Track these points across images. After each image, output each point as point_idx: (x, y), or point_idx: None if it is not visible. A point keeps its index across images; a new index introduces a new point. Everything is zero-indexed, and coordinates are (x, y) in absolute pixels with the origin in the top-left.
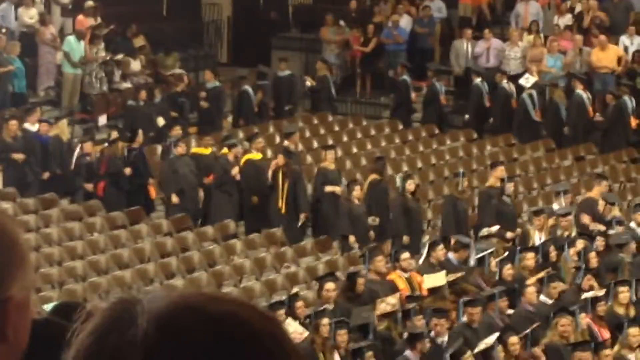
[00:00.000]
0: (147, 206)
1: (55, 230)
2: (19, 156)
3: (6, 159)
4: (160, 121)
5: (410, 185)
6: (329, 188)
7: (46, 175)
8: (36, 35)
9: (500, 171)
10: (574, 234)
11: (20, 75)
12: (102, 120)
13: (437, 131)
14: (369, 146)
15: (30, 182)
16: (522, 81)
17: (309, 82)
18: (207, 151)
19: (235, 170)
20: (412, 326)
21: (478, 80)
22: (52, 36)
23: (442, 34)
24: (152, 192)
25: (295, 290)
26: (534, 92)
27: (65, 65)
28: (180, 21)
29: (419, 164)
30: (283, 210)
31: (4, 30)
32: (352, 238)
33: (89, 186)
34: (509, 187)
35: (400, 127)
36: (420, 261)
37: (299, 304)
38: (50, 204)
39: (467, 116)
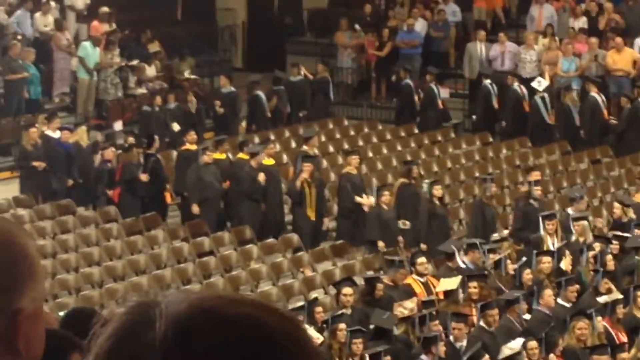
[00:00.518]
0: (163, 212)
1: (72, 236)
2: (40, 164)
3: (26, 166)
4: (176, 126)
5: (438, 190)
6: (359, 200)
7: (70, 182)
8: (51, 41)
9: (535, 176)
10: (590, 239)
11: (35, 82)
12: (118, 126)
13: (452, 135)
14: (384, 150)
15: (56, 190)
16: (534, 84)
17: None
18: (271, 162)
19: (261, 177)
20: (427, 330)
21: (487, 82)
22: (67, 42)
23: (457, 37)
24: (168, 197)
25: (314, 295)
26: (546, 95)
27: (80, 71)
28: (195, 26)
29: (435, 168)
30: (313, 217)
31: (19, 37)
32: (380, 243)
33: (111, 193)
34: (536, 190)
35: (416, 130)
36: (461, 263)
37: (318, 309)
38: (66, 210)
39: (474, 117)
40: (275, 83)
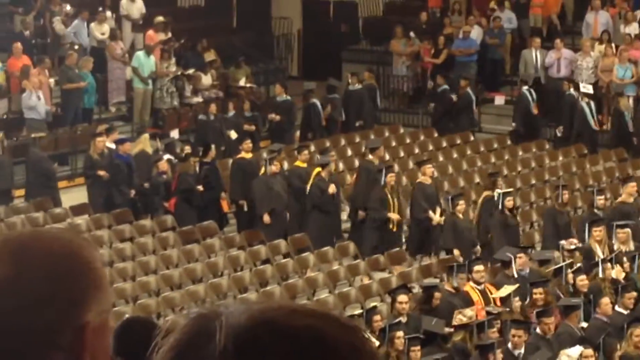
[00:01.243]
0: (220, 220)
1: (129, 245)
2: (104, 174)
3: (92, 175)
4: (233, 134)
5: (509, 201)
6: (431, 215)
7: (132, 192)
8: (106, 50)
9: (631, 187)
10: (631, 247)
11: (90, 91)
12: (174, 134)
13: (509, 142)
14: (440, 158)
15: (119, 203)
16: (583, 89)
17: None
18: (303, 165)
19: (332, 189)
20: (485, 337)
21: (525, 88)
22: (122, 51)
23: (513, 44)
24: (225, 206)
25: (373, 304)
26: (592, 102)
27: (136, 80)
28: (251, 35)
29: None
30: (395, 229)
31: (76, 47)
32: (456, 252)
33: (168, 204)
34: (599, 200)
35: (472, 138)
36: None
37: (376, 317)
38: (123, 218)
39: (513, 124)
40: (330, 91)
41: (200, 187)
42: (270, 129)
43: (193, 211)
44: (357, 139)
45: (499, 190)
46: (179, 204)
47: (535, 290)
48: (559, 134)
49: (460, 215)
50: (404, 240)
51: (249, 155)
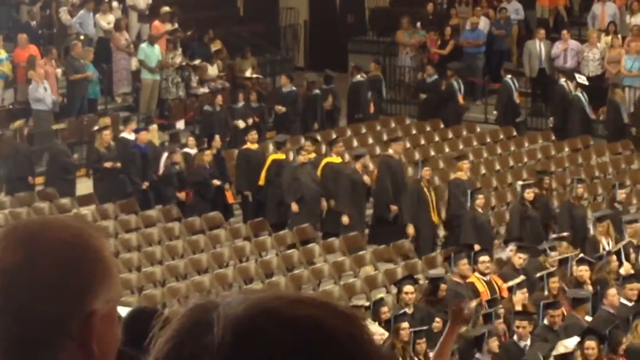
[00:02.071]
0: (224, 211)
1: (134, 235)
2: (113, 164)
3: (100, 168)
4: (241, 124)
5: (529, 194)
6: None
7: (145, 184)
8: (111, 41)
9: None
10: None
11: (94, 81)
12: (180, 125)
13: (514, 133)
14: (446, 149)
15: (131, 192)
16: (579, 79)
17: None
18: (338, 160)
19: (367, 180)
20: (492, 328)
21: (508, 77)
22: (126, 42)
23: (519, 35)
24: (230, 197)
25: (379, 295)
26: (584, 92)
27: (144, 71)
28: (257, 26)
29: (497, 167)
30: (436, 221)
31: (82, 37)
32: (477, 247)
33: (182, 195)
34: (620, 194)
35: (478, 129)
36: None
37: (384, 309)
38: (128, 209)
39: (495, 112)
40: (327, 82)
41: (216, 181)
42: (275, 120)
43: (206, 204)
44: (364, 130)
45: (519, 182)
46: (194, 197)
47: (551, 280)
48: (550, 125)
49: (480, 210)
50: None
51: (255, 146)
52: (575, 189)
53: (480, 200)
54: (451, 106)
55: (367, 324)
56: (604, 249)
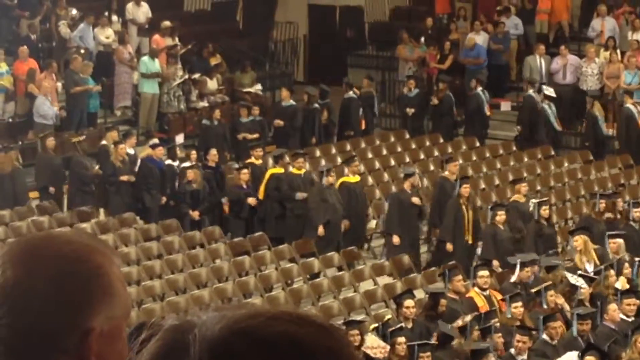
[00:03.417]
0: (221, 224)
1: (133, 249)
2: (128, 178)
3: (115, 182)
4: (248, 135)
5: (545, 210)
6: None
7: (164, 200)
8: (113, 54)
9: None
10: (625, 256)
11: (94, 95)
12: (179, 139)
13: (514, 148)
14: (486, 167)
15: (149, 207)
16: (546, 91)
17: (435, 100)
18: (356, 179)
19: (416, 200)
20: (491, 342)
21: (479, 90)
22: (129, 56)
23: (519, 50)
24: (227, 210)
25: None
26: (552, 104)
27: (144, 85)
28: (256, 40)
29: (496, 181)
30: (470, 241)
31: (82, 51)
32: (495, 262)
33: (195, 214)
34: (635, 213)
35: (477, 144)
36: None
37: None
38: (127, 223)
39: (458, 118)
40: (322, 96)
41: (252, 200)
42: (275, 134)
43: (241, 222)
44: (363, 144)
45: (534, 200)
46: (228, 216)
47: (548, 293)
48: (517, 133)
49: (501, 226)
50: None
51: (259, 162)
52: (597, 203)
53: (500, 216)
54: (448, 118)
55: (347, 338)
56: (580, 266)
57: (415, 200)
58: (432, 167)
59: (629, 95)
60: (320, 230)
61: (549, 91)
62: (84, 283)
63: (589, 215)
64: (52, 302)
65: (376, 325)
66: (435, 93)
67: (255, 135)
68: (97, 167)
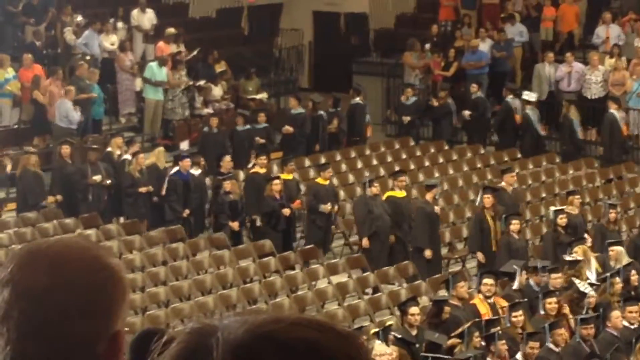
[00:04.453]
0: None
1: (138, 256)
2: (146, 190)
3: (134, 193)
4: (259, 140)
5: (562, 219)
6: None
7: (187, 212)
8: (115, 61)
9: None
10: (624, 263)
11: (98, 102)
12: (184, 146)
13: (519, 155)
14: (450, 171)
15: (170, 220)
16: (525, 96)
17: (467, 114)
18: (402, 194)
19: (439, 211)
20: (495, 349)
21: (480, 93)
22: (130, 62)
23: (524, 57)
24: (235, 225)
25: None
26: (535, 109)
27: (148, 91)
28: (261, 46)
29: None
30: (494, 248)
31: (87, 57)
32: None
33: (235, 225)
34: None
35: (482, 151)
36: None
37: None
38: (132, 229)
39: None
40: (335, 105)
41: (286, 210)
42: (282, 141)
43: (277, 233)
44: (367, 152)
45: (552, 208)
46: (263, 227)
47: (549, 301)
48: (494, 138)
49: (515, 235)
50: None
51: (263, 170)
52: (607, 213)
53: (514, 225)
54: (447, 125)
55: (366, 345)
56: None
57: (438, 210)
58: (436, 174)
59: (613, 101)
60: (365, 242)
61: (529, 96)
62: (111, 291)
63: (602, 224)
64: (84, 309)
65: (377, 330)
66: (437, 100)
67: (262, 141)
68: (96, 177)
